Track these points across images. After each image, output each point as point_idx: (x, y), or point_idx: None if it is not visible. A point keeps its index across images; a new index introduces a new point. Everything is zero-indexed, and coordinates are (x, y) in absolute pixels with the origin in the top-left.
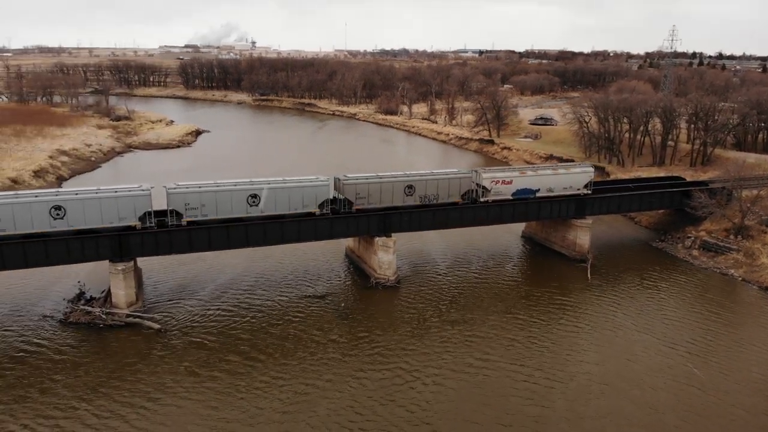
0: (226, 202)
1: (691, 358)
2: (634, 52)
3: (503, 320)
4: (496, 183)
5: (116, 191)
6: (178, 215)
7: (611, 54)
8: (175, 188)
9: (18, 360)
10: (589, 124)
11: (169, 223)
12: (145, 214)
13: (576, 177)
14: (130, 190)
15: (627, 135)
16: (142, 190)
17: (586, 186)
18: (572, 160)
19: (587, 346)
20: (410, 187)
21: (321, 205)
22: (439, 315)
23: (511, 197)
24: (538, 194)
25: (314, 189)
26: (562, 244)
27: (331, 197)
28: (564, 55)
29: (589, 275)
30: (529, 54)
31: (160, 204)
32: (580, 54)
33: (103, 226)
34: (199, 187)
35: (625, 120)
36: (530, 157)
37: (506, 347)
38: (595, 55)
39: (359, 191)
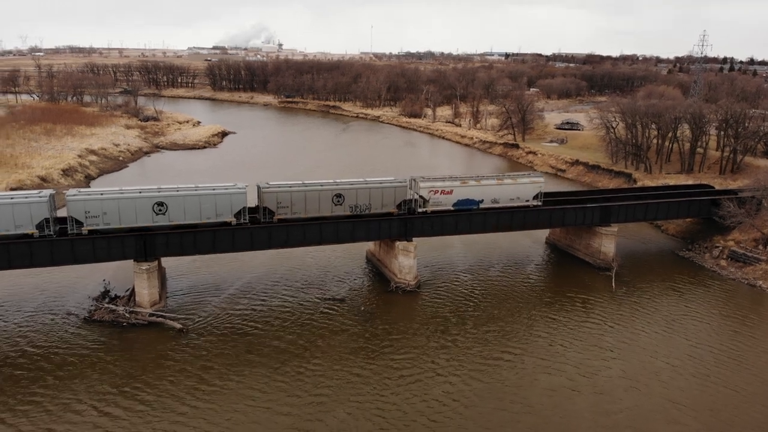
0: (130, 211)
1: (718, 363)
2: (663, 56)
3: (525, 323)
4: (435, 193)
5: (12, 197)
6: (79, 223)
7: (640, 58)
8: (75, 195)
9: (48, 353)
10: (616, 130)
11: (69, 232)
12: (43, 221)
13: (523, 188)
14: (26, 197)
15: (655, 141)
16: (40, 197)
17: (535, 197)
18: (599, 166)
19: (610, 346)
20: (339, 196)
21: (238, 215)
22: (460, 319)
23: (452, 208)
24: (482, 205)
25: (228, 197)
26: (586, 252)
27: (254, 206)
28: (592, 59)
29: (613, 284)
30: (556, 57)
31: None
32: (608, 58)
33: None
34: (101, 194)
35: (654, 126)
36: (556, 161)
37: (529, 346)
38: (624, 59)
39: (281, 200)
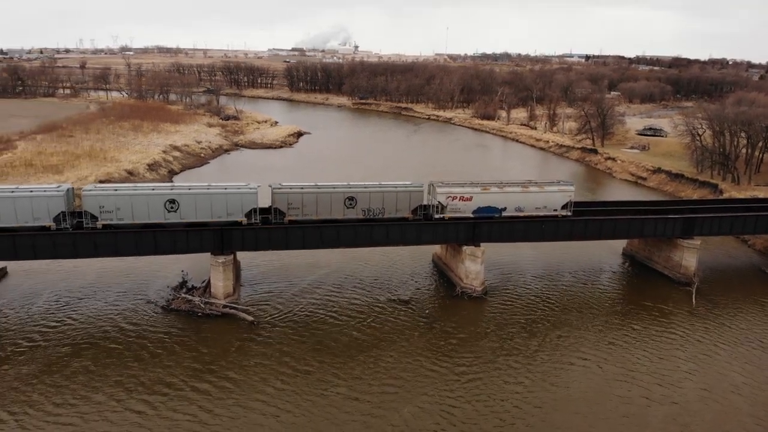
0: (143, 207)
1: None
2: (755, 61)
3: (598, 331)
4: (453, 199)
5: (31, 191)
6: (93, 218)
7: (730, 62)
8: (90, 190)
9: (139, 332)
10: (702, 137)
11: (85, 225)
12: (60, 214)
13: (551, 196)
14: (44, 191)
15: (744, 151)
16: (57, 191)
17: (564, 207)
18: (682, 175)
19: (689, 359)
20: (351, 199)
21: (248, 215)
22: (529, 324)
23: (471, 215)
24: (504, 213)
25: (239, 197)
26: (666, 265)
27: (267, 206)
28: (678, 62)
29: (693, 300)
30: (639, 60)
31: None
32: (696, 61)
33: (19, 226)
34: (115, 189)
35: (743, 134)
36: (636, 169)
37: (601, 354)
38: (713, 63)
39: (291, 201)
